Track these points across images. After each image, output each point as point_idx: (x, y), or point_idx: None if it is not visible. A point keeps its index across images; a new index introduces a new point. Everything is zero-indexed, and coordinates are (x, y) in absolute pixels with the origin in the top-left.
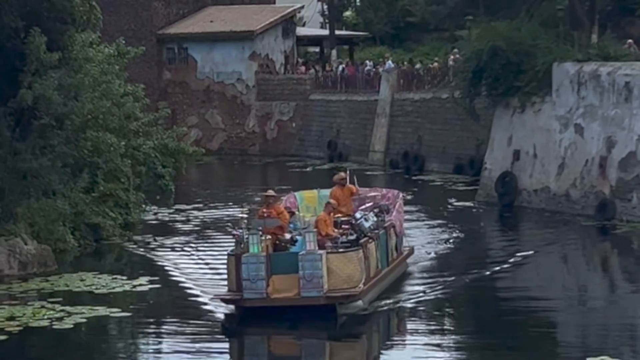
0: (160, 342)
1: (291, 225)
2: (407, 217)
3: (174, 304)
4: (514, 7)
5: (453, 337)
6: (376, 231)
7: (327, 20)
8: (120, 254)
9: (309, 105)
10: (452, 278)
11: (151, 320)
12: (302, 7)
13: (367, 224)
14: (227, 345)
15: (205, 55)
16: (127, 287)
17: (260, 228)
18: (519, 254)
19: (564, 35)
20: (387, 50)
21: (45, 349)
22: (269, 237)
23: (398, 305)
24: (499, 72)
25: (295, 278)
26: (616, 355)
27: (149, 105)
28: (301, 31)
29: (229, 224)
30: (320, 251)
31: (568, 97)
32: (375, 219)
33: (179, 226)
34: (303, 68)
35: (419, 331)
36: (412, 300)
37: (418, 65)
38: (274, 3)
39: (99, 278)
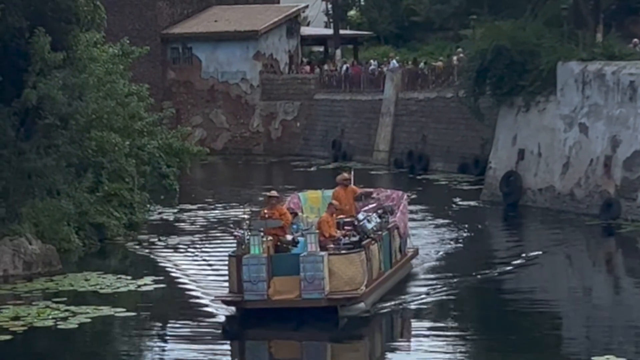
0: (161, 344)
1: (294, 226)
2: (411, 216)
3: (176, 305)
4: (518, 7)
5: (457, 339)
6: (379, 232)
7: (331, 20)
8: (124, 253)
9: (313, 105)
10: (457, 279)
11: (153, 322)
12: (307, 6)
13: (370, 225)
14: (228, 347)
15: (210, 55)
16: (131, 287)
17: (262, 229)
18: (524, 255)
19: (568, 34)
20: (391, 49)
21: (49, 348)
22: (270, 238)
23: (401, 307)
24: (504, 71)
25: (297, 280)
26: (621, 355)
27: (154, 105)
28: (305, 31)
29: (231, 225)
30: (322, 253)
31: (572, 96)
32: (378, 220)
33: (183, 226)
34: (307, 67)
35: (423, 333)
36: (415, 302)
37: (421, 65)
38: (278, 3)
39: (104, 278)
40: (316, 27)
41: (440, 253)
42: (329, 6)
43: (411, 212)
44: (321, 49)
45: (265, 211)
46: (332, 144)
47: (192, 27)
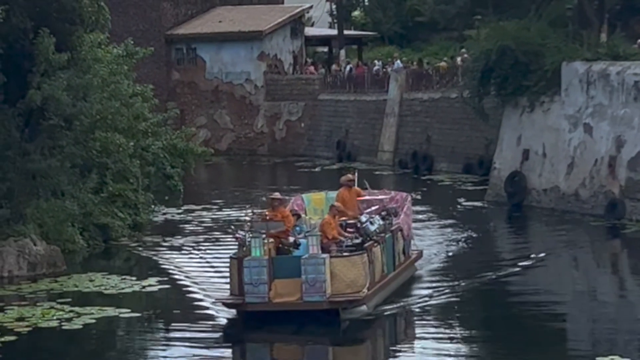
0: (161, 347)
1: (297, 228)
2: (416, 217)
3: (178, 307)
4: (522, 7)
5: (462, 341)
6: (382, 235)
7: (335, 20)
8: (129, 254)
9: (317, 106)
10: (461, 281)
11: (155, 324)
12: (311, 7)
13: (372, 227)
14: (229, 350)
15: (214, 55)
16: (136, 288)
17: (264, 231)
18: (528, 256)
19: (573, 34)
20: (395, 49)
21: (54, 349)
22: (271, 240)
23: (404, 309)
24: (508, 71)
25: (298, 282)
26: (626, 355)
27: (158, 105)
28: (310, 31)
29: (232, 227)
30: (324, 255)
31: (577, 96)
32: (381, 222)
33: (188, 227)
34: (312, 68)
35: (426, 336)
36: (418, 305)
37: (425, 65)
38: (283, 3)
39: (108, 279)
40: (320, 28)
41: (445, 254)
42: (333, 7)
43: (415, 212)
44: (325, 49)
45: (266, 213)
46: (337, 145)
47: (196, 28)
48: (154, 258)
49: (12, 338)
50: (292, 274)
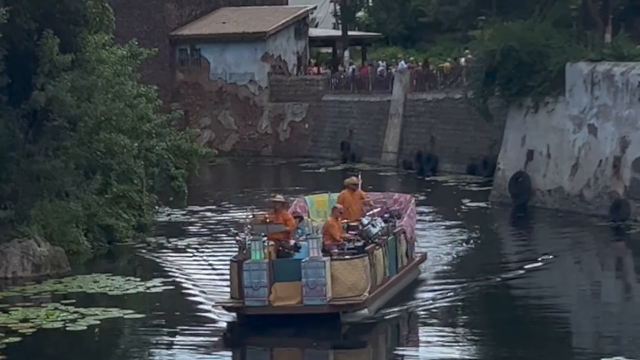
0: (161, 351)
1: (299, 231)
2: (420, 218)
3: (179, 310)
4: (526, 7)
5: (466, 346)
6: (384, 237)
7: (339, 21)
8: (133, 255)
9: (321, 106)
10: (466, 283)
11: (157, 327)
12: (315, 8)
13: (374, 230)
14: (229, 354)
15: (218, 56)
16: (140, 289)
17: (264, 234)
18: (533, 257)
19: (577, 35)
20: (399, 50)
21: (58, 350)
22: (272, 243)
23: (406, 313)
24: (512, 72)
25: (298, 285)
26: (631, 357)
27: (162, 106)
28: (314, 32)
29: (232, 229)
30: (324, 258)
31: (581, 97)
32: (383, 224)
33: (192, 228)
34: (315, 69)
35: (429, 341)
36: (421, 308)
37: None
38: (287, 4)
39: (113, 280)
40: (324, 29)
41: (449, 256)
42: (337, 7)
43: (420, 213)
44: (329, 50)
45: (266, 216)
46: (341, 146)
47: (200, 29)
48: (158, 259)
49: (17, 339)
50: (293, 277)
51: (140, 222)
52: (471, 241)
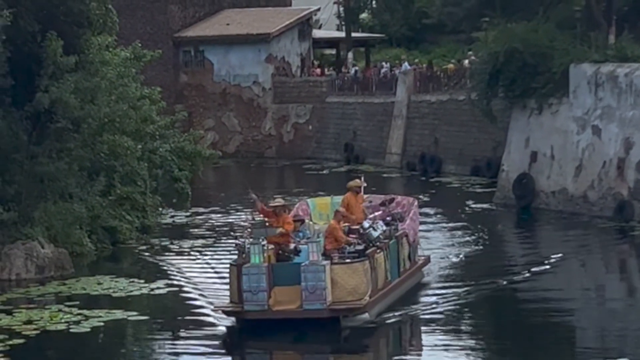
0: (160, 356)
1: (300, 234)
2: (424, 219)
3: (179, 314)
4: (530, 9)
5: (469, 350)
6: (386, 241)
7: (343, 23)
8: (136, 257)
9: (325, 108)
10: (469, 287)
11: (155, 331)
12: (319, 9)
13: (375, 234)
14: (228, 359)
15: (222, 58)
16: (144, 291)
17: (264, 237)
18: (537, 260)
19: (580, 36)
20: (403, 52)
21: (62, 352)
22: (271, 247)
23: (408, 317)
24: (516, 73)
25: (298, 289)
26: (635, 359)
27: (166, 108)
28: (317, 33)
29: (231, 233)
30: (324, 262)
31: (585, 98)
32: (384, 227)
33: (196, 230)
34: (318, 70)
35: (431, 345)
36: (424, 312)
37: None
38: (290, 5)
39: (116, 281)
40: (328, 30)
41: (453, 259)
42: (341, 9)
43: (423, 215)
44: (333, 51)
45: (266, 219)
46: (345, 147)
47: (204, 31)
48: (162, 261)
49: (21, 341)
50: (292, 281)
51: (144, 224)
52: (475, 243)
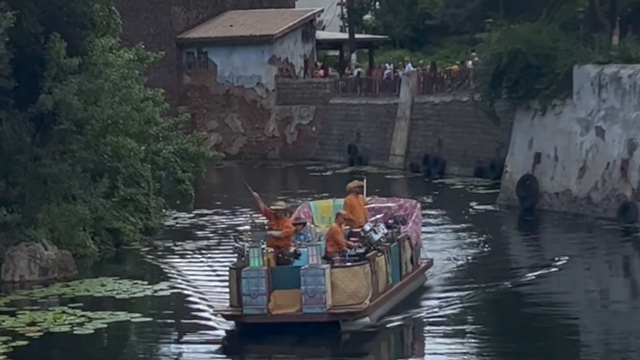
0: None
1: (301, 237)
2: (427, 221)
3: (179, 317)
4: (534, 10)
5: (471, 356)
6: (387, 244)
7: (346, 24)
8: (140, 259)
9: (329, 109)
10: (473, 290)
11: (155, 335)
12: (322, 10)
13: (376, 237)
14: None
15: (225, 59)
16: (148, 293)
17: (263, 240)
18: (541, 262)
19: (584, 37)
20: (407, 53)
21: (66, 354)
22: (271, 250)
23: (410, 321)
24: (519, 75)
25: (297, 293)
26: None
27: (169, 109)
28: (321, 35)
29: (231, 236)
30: (324, 265)
31: (589, 99)
32: (385, 230)
33: (199, 231)
34: (322, 72)
35: (433, 350)
36: (426, 316)
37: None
38: (294, 7)
39: (120, 283)
40: (331, 31)
41: (456, 261)
42: (344, 10)
43: (427, 216)
44: (337, 53)
45: (265, 223)
46: (348, 148)
47: (207, 32)
48: (165, 263)
49: (24, 343)
50: (292, 284)
51: (148, 226)
52: (479, 245)
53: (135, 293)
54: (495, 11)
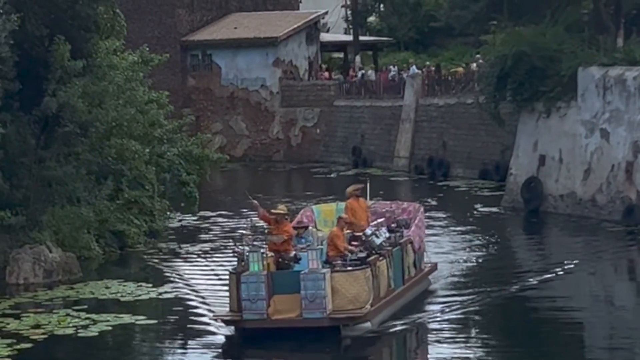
0: None
1: (303, 240)
2: (431, 223)
3: (179, 321)
4: (538, 12)
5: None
6: (389, 248)
7: (351, 26)
8: (144, 261)
9: (333, 111)
10: (477, 294)
11: (158, 338)
12: (326, 13)
13: (378, 241)
14: None
15: (229, 61)
16: (152, 295)
17: (264, 244)
18: (547, 266)
19: (589, 39)
20: (411, 55)
21: (70, 357)
22: (271, 254)
23: (413, 326)
24: (524, 77)
25: (297, 298)
26: None
27: (173, 112)
28: (325, 37)
29: (230, 240)
30: (324, 270)
31: (594, 101)
32: (387, 234)
33: (204, 234)
34: (326, 74)
35: (436, 355)
36: (429, 321)
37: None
38: (298, 9)
39: (124, 286)
40: (336, 34)
41: (461, 265)
42: (349, 12)
43: (431, 218)
44: (341, 55)
45: (265, 226)
46: (352, 151)
47: (211, 34)
48: (170, 266)
49: (28, 345)
50: (292, 289)
51: (152, 228)
52: (483, 248)
53: (139, 296)
54: (499, 13)
